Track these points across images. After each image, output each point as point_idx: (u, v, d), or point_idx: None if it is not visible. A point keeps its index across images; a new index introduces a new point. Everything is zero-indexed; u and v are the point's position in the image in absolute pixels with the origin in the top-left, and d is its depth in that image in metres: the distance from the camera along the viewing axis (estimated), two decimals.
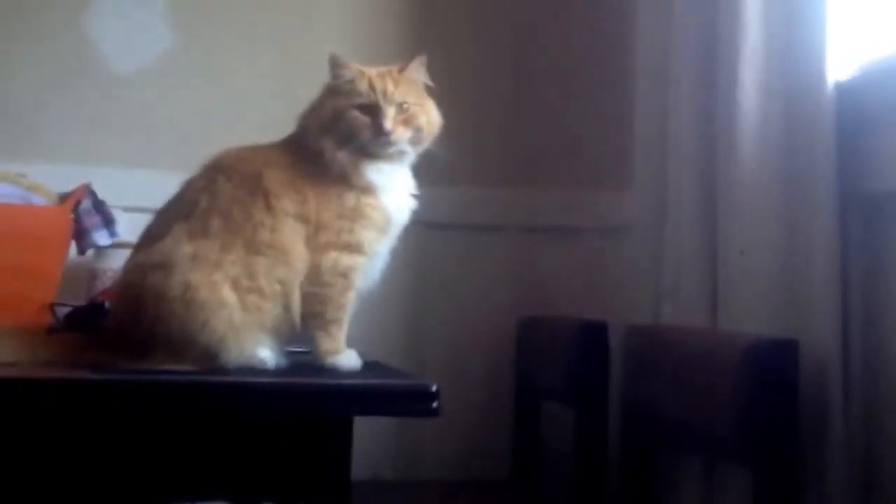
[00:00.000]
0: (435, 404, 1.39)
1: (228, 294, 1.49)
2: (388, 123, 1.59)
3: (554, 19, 2.84)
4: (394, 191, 1.63)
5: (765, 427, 1.54)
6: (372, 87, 1.61)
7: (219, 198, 1.54)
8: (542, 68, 2.84)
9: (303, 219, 1.55)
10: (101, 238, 2.15)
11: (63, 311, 1.87)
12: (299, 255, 1.54)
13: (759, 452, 1.55)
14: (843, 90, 1.77)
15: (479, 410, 2.69)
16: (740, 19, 1.90)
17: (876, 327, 1.73)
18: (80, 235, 2.13)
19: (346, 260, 1.57)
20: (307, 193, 1.56)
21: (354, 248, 1.57)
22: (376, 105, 1.60)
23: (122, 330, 1.49)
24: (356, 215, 1.58)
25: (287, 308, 1.54)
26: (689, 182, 2.08)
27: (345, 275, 1.56)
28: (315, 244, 1.55)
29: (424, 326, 2.72)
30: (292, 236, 1.54)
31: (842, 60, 1.79)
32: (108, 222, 2.16)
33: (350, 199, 1.58)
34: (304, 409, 1.41)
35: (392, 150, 1.61)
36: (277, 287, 1.52)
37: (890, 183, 1.70)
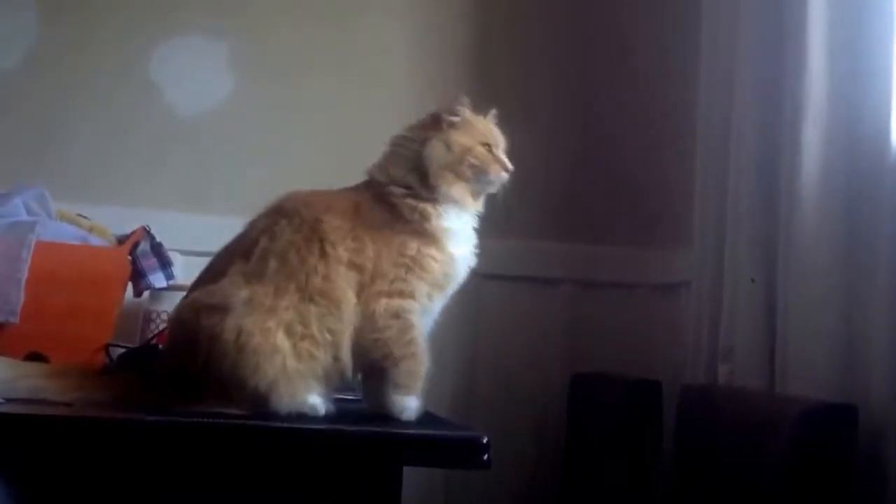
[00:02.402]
0: (486, 457, 1.37)
1: (282, 340, 1.48)
2: (509, 163, 1.66)
3: (618, 77, 2.86)
4: (462, 241, 1.63)
5: (819, 495, 1.51)
6: (488, 128, 1.68)
7: (277, 241, 1.54)
8: (604, 126, 2.84)
9: (357, 268, 1.54)
10: (158, 280, 2.17)
11: (117, 352, 1.89)
12: (350, 305, 1.53)
13: None
14: None
15: (530, 465, 2.67)
16: (804, 78, 1.89)
17: None
18: (137, 277, 2.15)
19: (396, 303, 1.55)
20: (366, 242, 1.56)
21: (406, 294, 1.56)
22: (497, 145, 1.66)
23: (175, 370, 1.49)
24: (414, 265, 1.57)
25: (336, 357, 1.52)
26: (748, 241, 2.06)
27: (397, 315, 1.55)
28: (368, 293, 1.54)
29: (477, 377, 2.71)
30: (344, 285, 1.53)
31: None
32: (165, 265, 2.18)
33: (412, 248, 1.58)
34: (354, 456, 1.40)
35: (499, 188, 1.67)
36: (328, 336, 1.51)
37: None
